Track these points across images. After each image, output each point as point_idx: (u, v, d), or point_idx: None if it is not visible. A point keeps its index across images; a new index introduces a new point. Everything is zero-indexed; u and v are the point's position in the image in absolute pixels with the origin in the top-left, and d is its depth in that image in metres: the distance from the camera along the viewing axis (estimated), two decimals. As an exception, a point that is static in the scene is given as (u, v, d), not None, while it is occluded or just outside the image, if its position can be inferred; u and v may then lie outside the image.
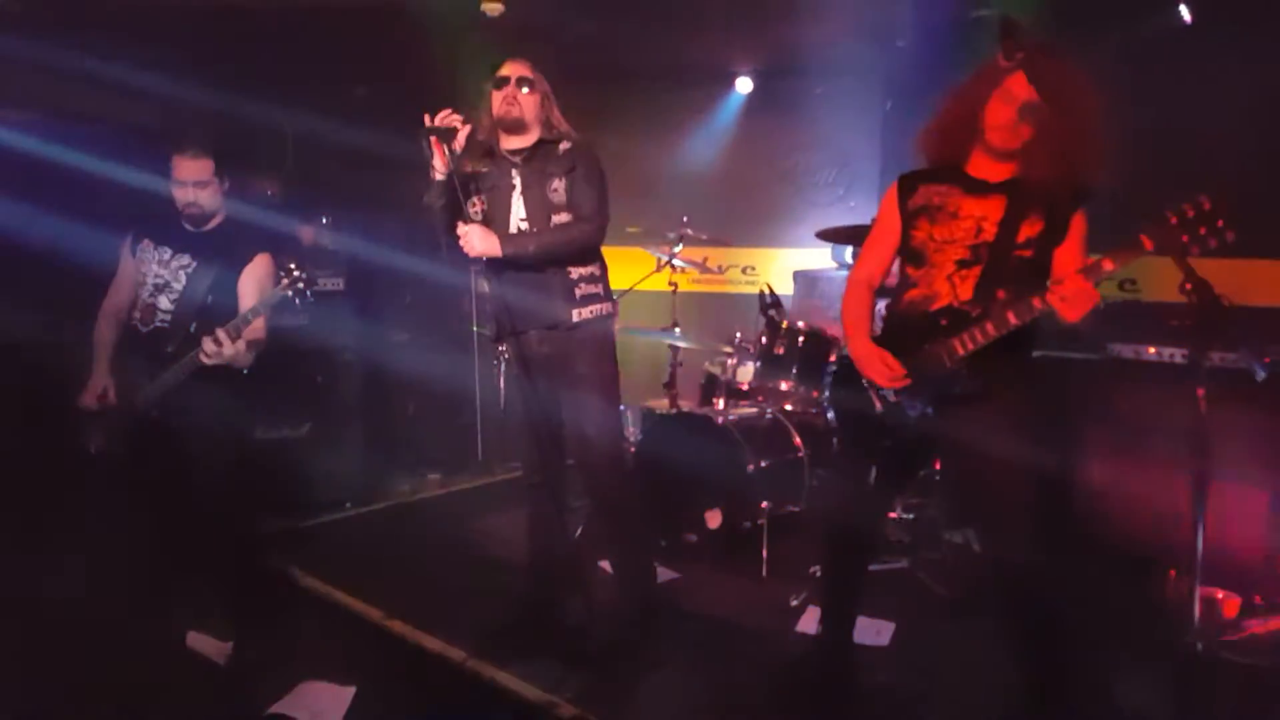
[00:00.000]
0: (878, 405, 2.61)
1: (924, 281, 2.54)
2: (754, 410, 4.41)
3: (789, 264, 6.04)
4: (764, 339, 4.42)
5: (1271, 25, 4.02)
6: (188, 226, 3.27)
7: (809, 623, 3.38)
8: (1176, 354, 3.63)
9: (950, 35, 4.70)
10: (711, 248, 4.94)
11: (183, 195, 3.17)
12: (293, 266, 3.03)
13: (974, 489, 2.60)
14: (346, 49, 5.13)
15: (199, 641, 3.26)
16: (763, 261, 6.31)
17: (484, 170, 3.11)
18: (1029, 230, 2.42)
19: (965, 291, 2.47)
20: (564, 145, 3.09)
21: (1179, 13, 4.27)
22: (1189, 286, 1.97)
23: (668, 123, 6.27)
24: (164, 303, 3.21)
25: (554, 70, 3.17)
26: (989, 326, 2.38)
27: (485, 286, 3.18)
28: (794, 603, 3.57)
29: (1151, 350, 3.72)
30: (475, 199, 3.11)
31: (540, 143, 3.09)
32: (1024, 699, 2.54)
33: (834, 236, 4.60)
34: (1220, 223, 2.09)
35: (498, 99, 3.04)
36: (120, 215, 3.44)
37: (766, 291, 4.49)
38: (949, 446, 2.60)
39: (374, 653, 3.31)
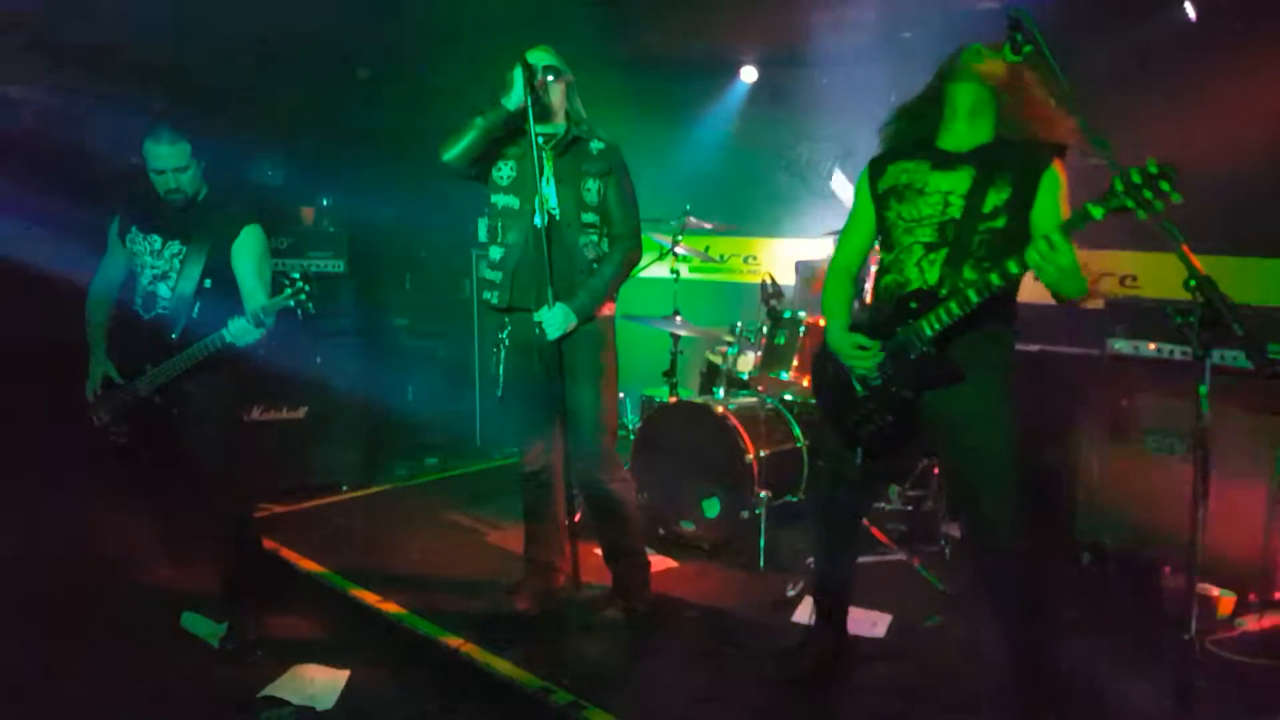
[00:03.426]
0: (859, 391, 2.62)
1: (895, 267, 2.57)
2: (754, 400, 4.41)
3: (791, 253, 6.02)
4: (765, 328, 4.42)
5: (1274, 23, 4.00)
6: (172, 209, 3.21)
7: (805, 613, 3.38)
8: (1177, 350, 3.63)
9: (957, 27, 4.67)
10: (714, 237, 4.93)
11: (164, 182, 3.11)
12: (297, 277, 3.01)
13: (953, 472, 2.61)
14: (350, 32, 5.11)
15: (194, 622, 3.26)
16: (765, 251, 6.30)
17: (515, 143, 3.10)
18: (996, 197, 2.42)
19: (933, 275, 2.48)
20: (596, 144, 3.13)
21: (1183, 10, 4.25)
22: (1193, 284, 1.96)
23: (672, 111, 6.24)
24: (163, 290, 3.19)
25: (559, 58, 3.16)
26: (953, 306, 2.39)
27: (497, 256, 3.15)
28: (790, 593, 3.57)
29: (1152, 346, 3.72)
30: (505, 164, 3.11)
31: (573, 138, 3.11)
32: (1019, 692, 2.56)
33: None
34: (1166, 186, 2.05)
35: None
36: (107, 197, 3.41)
37: (768, 281, 4.48)
38: (931, 430, 2.61)
39: (368, 637, 3.32)
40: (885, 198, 2.62)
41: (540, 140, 3.03)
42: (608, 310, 3.20)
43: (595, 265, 3.11)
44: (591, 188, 3.08)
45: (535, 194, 3.03)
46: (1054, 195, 2.41)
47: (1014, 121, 2.47)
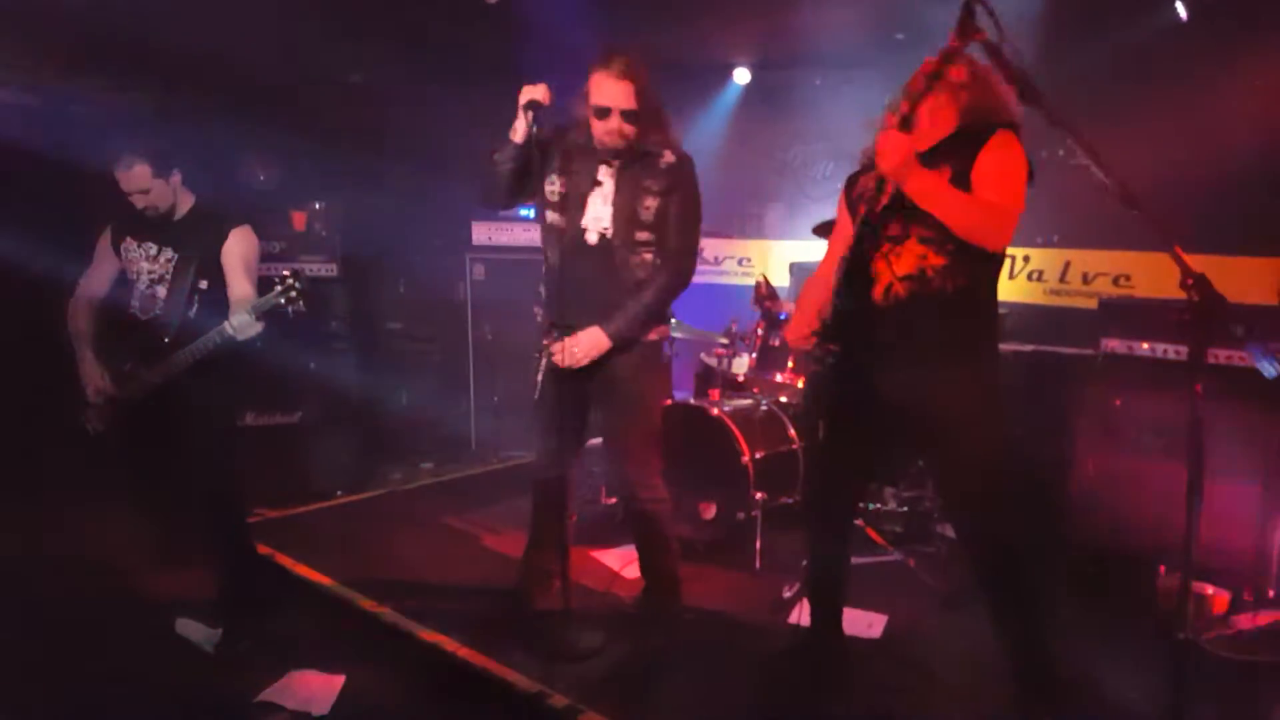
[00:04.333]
0: (820, 367, 2.65)
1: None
2: (749, 401, 4.41)
3: (785, 256, 6.03)
4: (759, 331, 4.42)
5: (1266, 23, 4.02)
6: (162, 218, 3.23)
7: (802, 614, 3.37)
8: (1170, 350, 3.64)
9: (949, 28, 4.68)
10: (707, 239, 4.93)
11: (135, 203, 3.15)
12: (286, 273, 3.01)
13: (938, 472, 2.65)
14: (344, 34, 5.10)
15: (188, 628, 3.25)
16: (759, 253, 6.30)
17: (571, 151, 3.00)
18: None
19: (900, 268, 2.50)
20: (665, 159, 2.95)
21: (1175, 11, 4.27)
22: (1189, 282, 1.96)
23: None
24: (161, 292, 3.22)
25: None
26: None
27: (545, 271, 3.11)
28: (787, 594, 3.57)
29: (1145, 346, 3.72)
30: (556, 178, 3.01)
31: (642, 153, 2.95)
32: (1014, 691, 2.56)
33: (828, 232, 4.59)
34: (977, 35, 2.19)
35: (599, 127, 2.88)
36: (98, 201, 3.42)
37: (762, 283, 4.49)
38: (913, 431, 2.63)
39: (363, 642, 3.31)
40: (855, 204, 2.69)
41: (607, 154, 2.94)
42: (656, 334, 3.11)
43: (642, 276, 2.98)
44: (650, 206, 2.95)
45: (579, 212, 2.96)
46: (989, 156, 2.41)
47: (977, 112, 2.50)
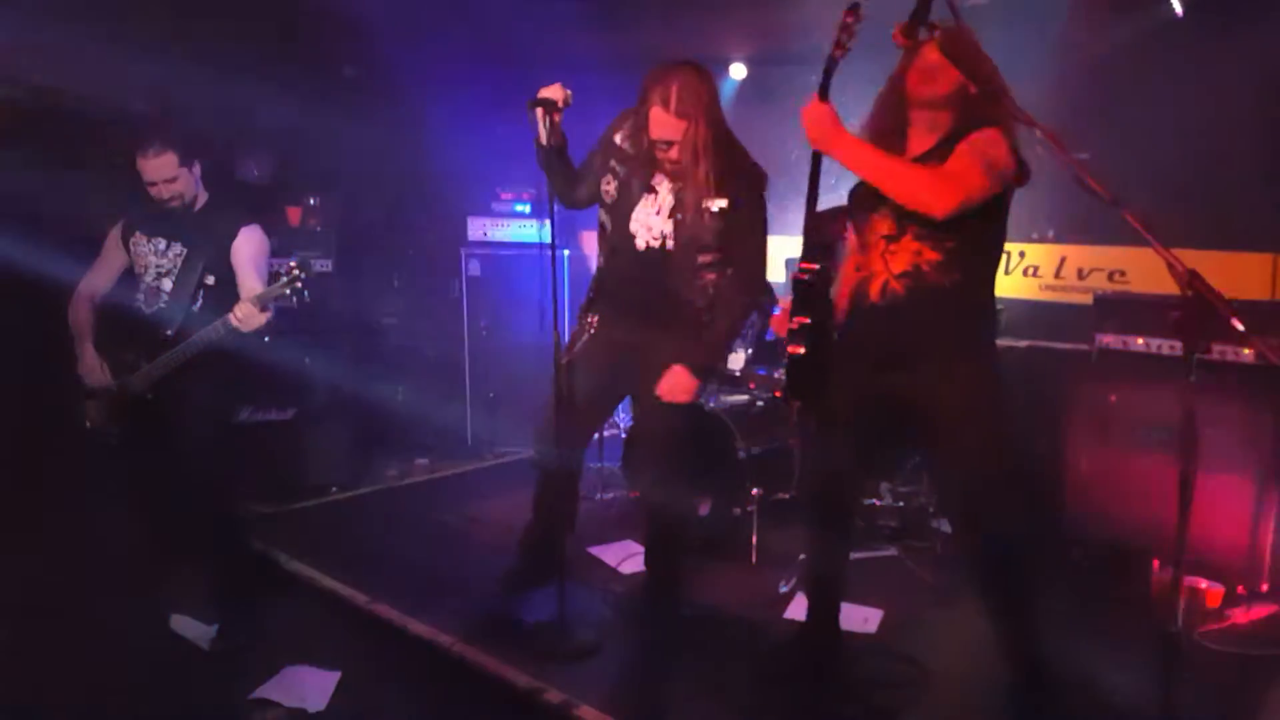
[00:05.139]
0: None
1: (864, 264, 2.62)
2: (744, 397, 4.41)
3: (781, 252, 6.02)
4: (755, 326, 4.42)
5: (1261, 18, 4.02)
6: (175, 214, 3.24)
7: (798, 609, 3.38)
8: (1164, 345, 3.65)
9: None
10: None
11: (158, 194, 3.15)
12: (292, 265, 3.02)
13: (936, 464, 2.68)
14: (334, 28, 5.08)
15: (183, 624, 3.25)
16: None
17: (627, 154, 2.97)
18: None
19: (896, 266, 2.50)
20: (729, 178, 2.88)
21: (1170, 6, 4.27)
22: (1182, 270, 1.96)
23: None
24: (167, 285, 3.23)
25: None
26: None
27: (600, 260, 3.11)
28: (783, 589, 3.58)
29: (1140, 341, 3.73)
30: (611, 179, 2.99)
31: (700, 169, 2.86)
32: (1009, 686, 2.57)
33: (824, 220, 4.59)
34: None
35: (659, 151, 2.84)
36: (111, 202, 3.42)
37: (758, 279, 4.48)
38: (914, 422, 2.65)
39: (359, 637, 3.31)
40: (854, 211, 2.71)
41: (668, 172, 2.91)
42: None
43: (702, 304, 2.96)
44: (712, 228, 2.89)
45: (628, 216, 2.95)
46: (960, 144, 2.41)
47: (972, 114, 2.47)
